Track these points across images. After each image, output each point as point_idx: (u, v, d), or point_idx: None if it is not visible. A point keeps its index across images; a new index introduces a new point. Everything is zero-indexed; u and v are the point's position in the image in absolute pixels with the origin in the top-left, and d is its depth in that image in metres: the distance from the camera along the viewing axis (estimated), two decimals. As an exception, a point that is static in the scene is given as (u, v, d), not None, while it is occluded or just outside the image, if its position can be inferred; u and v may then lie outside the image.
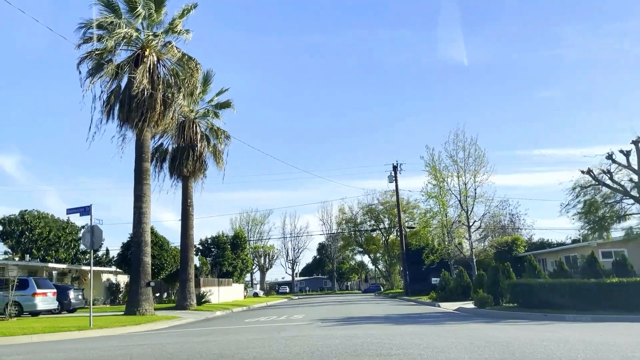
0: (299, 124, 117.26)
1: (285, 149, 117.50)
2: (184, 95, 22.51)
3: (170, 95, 22.73)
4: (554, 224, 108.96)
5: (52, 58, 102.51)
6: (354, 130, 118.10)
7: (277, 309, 29.79)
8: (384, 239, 68.57)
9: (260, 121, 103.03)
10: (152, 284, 21.99)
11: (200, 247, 49.92)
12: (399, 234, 54.39)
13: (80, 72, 21.25)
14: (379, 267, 79.71)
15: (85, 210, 17.13)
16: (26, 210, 44.78)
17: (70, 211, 17.38)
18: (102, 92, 22.14)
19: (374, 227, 68.59)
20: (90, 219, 17.02)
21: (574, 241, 41.40)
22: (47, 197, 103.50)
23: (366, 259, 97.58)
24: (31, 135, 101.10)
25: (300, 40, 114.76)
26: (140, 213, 21.78)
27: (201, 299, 29.95)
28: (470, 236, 33.98)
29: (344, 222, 73.98)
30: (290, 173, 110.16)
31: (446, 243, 36.85)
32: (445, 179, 35.42)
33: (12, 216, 44.17)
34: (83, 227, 44.45)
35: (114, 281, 38.21)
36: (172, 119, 23.24)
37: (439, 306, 25.25)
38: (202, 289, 32.48)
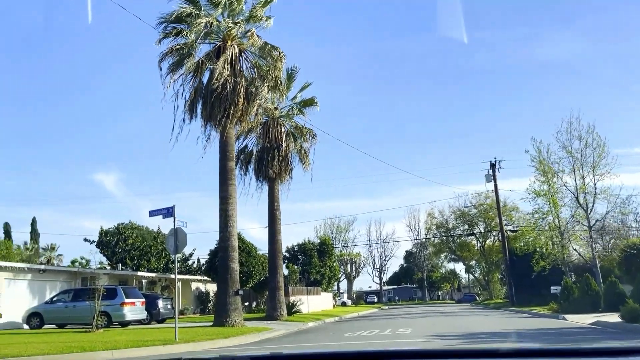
0: (380, 129, 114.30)
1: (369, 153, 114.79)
2: (268, 87, 20.80)
3: (253, 89, 21.18)
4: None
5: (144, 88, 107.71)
6: (442, 132, 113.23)
7: (373, 320, 27.22)
8: (479, 245, 63.76)
9: (341, 126, 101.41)
10: (241, 292, 20.34)
11: (287, 255, 48.59)
12: (499, 238, 50.00)
13: (161, 69, 20.31)
14: (475, 275, 74.46)
15: (168, 212, 15.71)
16: (122, 223, 45.77)
17: (152, 213, 16.06)
18: (183, 89, 21.06)
19: (468, 231, 64.00)
20: (174, 221, 15.55)
21: None
22: (142, 210, 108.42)
23: (458, 267, 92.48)
24: (127, 152, 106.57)
25: (374, 46, 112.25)
26: (226, 216, 20.24)
27: (291, 309, 28.09)
28: (592, 238, 29.55)
29: (434, 227, 69.85)
30: (377, 175, 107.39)
31: (559, 247, 32.52)
32: (557, 174, 31.29)
33: (109, 229, 45.29)
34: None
35: (203, 290, 37.54)
36: (256, 114, 21.64)
37: (564, 319, 21.58)
38: (292, 298, 30.68)
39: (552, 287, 28.98)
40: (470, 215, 62.48)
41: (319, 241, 52.73)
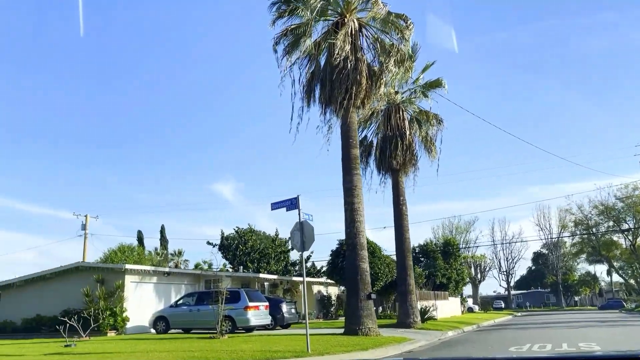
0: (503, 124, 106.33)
1: (490, 150, 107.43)
2: (394, 61, 18.25)
3: (376, 67, 18.86)
4: None
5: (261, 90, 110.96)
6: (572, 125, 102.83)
7: (524, 329, 23.38)
8: (629, 244, 55.54)
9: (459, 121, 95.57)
10: (374, 296, 17.88)
11: (408, 257, 45.46)
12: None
13: (276, 52, 18.71)
14: (625, 277, 65.26)
15: (292, 204, 13.81)
16: (241, 228, 46.01)
17: (275, 206, 14.22)
18: (300, 74, 19.32)
19: (614, 228, 56.05)
20: (299, 214, 13.60)
21: None
22: (258, 218, 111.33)
23: (598, 269, 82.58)
24: (243, 162, 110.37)
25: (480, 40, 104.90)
26: (353, 209, 17.96)
27: (424, 315, 25.09)
28: None
29: (571, 224, 62.42)
30: (500, 169, 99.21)
31: None
32: None
33: (230, 234, 45.75)
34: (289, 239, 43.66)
35: (324, 293, 35.81)
36: (381, 96, 19.20)
37: None
38: (424, 303, 27.65)
39: None
40: (616, 210, 54.69)
41: (441, 242, 48.98)
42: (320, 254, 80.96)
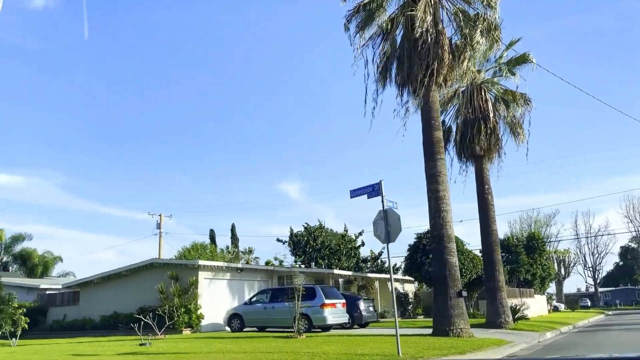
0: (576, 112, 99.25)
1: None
2: (480, 31, 16.38)
3: (458, 42, 17.10)
4: None
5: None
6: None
7: (628, 331, 20.66)
8: None
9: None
10: (465, 293, 16.14)
11: (488, 252, 42.67)
12: None
13: (348, 29, 17.43)
14: None
15: (373, 190, 12.41)
16: (310, 225, 45.25)
17: (355, 193, 12.89)
18: (373, 53, 17.89)
19: None
20: (382, 201, 12.17)
21: None
22: (323, 216, 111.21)
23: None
24: (308, 161, 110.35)
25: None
26: (437, 198, 16.28)
27: (515, 314, 22.84)
28: None
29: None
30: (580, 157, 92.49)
31: None
32: None
33: (298, 231, 45.16)
34: (360, 233, 42.37)
35: (401, 290, 34.10)
36: (464, 72, 17.35)
37: None
38: (512, 301, 25.31)
39: None
40: None
41: (524, 235, 45.75)
42: (391, 250, 78.97)
